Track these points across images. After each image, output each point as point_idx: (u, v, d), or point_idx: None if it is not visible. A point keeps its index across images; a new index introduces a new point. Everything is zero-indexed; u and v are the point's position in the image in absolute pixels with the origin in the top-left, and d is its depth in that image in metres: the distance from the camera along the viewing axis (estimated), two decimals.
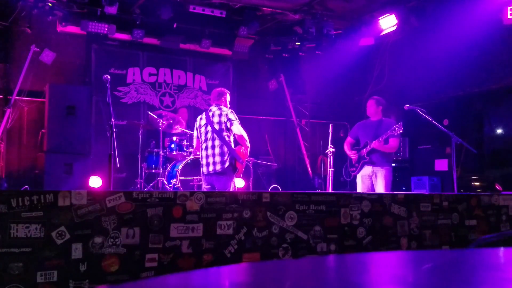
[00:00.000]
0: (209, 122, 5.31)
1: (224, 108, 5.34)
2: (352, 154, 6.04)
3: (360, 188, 5.95)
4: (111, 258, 2.76)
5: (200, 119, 5.49)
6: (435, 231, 3.86)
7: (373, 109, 6.00)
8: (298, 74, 10.01)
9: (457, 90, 8.07)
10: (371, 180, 5.86)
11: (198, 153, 5.65)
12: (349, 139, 6.25)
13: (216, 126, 5.24)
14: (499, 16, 7.13)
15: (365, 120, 6.19)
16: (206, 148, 5.30)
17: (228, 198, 3.12)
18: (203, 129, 5.39)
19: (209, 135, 5.29)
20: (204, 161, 5.32)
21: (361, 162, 5.93)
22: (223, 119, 5.24)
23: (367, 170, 5.88)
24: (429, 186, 7.72)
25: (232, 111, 5.31)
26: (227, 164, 5.14)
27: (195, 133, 5.58)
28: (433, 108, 6.64)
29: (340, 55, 9.25)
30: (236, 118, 5.25)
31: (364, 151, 5.86)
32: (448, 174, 7.53)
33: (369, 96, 6.63)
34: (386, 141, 5.73)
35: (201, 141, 5.40)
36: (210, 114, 5.36)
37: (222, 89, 5.69)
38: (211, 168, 5.22)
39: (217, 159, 5.18)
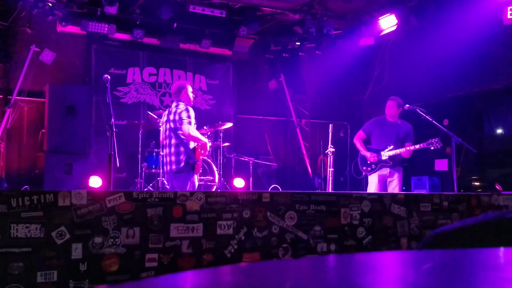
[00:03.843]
0: (167, 120, 5.17)
1: (181, 106, 5.12)
2: (371, 157, 5.84)
3: (374, 187, 5.85)
4: (111, 258, 2.76)
5: (163, 116, 5.34)
6: None
7: (393, 110, 5.89)
8: (298, 74, 10.01)
9: (457, 90, 8.06)
10: (386, 180, 5.85)
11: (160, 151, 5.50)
12: (361, 134, 6.07)
13: (172, 124, 5.07)
14: (499, 16, 7.13)
15: (381, 118, 6.04)
16: (165, 147, 5.17)
17: (228, 198, 3.12)
18: (163, 127, 5.25)
19: (167, 133, 5.14)
20: (163, 160, 5.22)
21: (380, 164, 5.84)
22: (176, 117, 5.05)
23: (385, 171, 5.83)
24: (429, 186, 7.71)
25: (186, 109, 5.07)
26: (182, 164, 4.98)
27: (161, 130, 5.43)
28: (433, 108, 6.64)
29: (340, 55, 9.25)
30: (187, 117, 5.01)
31: (388, 154, 5.74)
32: (448, 174, 7.53)
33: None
34: (403, 146, 5.72)
35: (162, 139, 5.28)
36: (169, 111, 5.22)
37: (182, 83, 5.47)
38: (168, 167, 5.09)
39: (173, 158, 5.04)
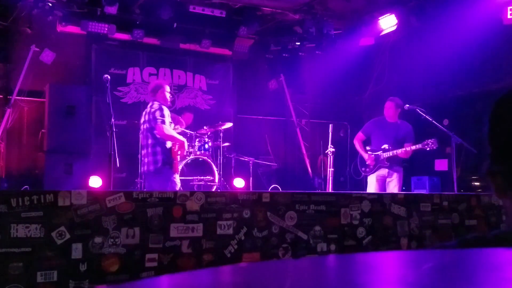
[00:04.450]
0: (144, 120, 5.14)
1: (155, 105, 5.05)
2: (369, 158, 5.88)
3: (372, 188, 5.87)
4: (111, 258, 2.76)
5: (141, 117, 5.30)
6: (435, 231, 3.86)
7: (392, 111, 5.89)
8: (298, 74, 10.01)
9: (457, 90, 8.06)
10: (385, 180, 5.85)
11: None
12: (361, 135, 6.09)
13: (147, 125, 5.04)
14: (499, 16, 7.13)
15: (381, 119, 6.05)
16: (142, 147, 5.14)
17: (228, 198, 3.12)
18: (141, 128, 5.21)
19: (144, 133, 5.10)
20: (142, 161, 5.18)
21: (378, 165, 5.86)
22: (151, 116, 5.00)
23: (383, 171, 5.84)
24: (429, 186, 7.71)
25: (160, 108, 4.99)
26: (159, 164, 4.93)
27: (140, 131, 5.41)
28: (433, 108, 6.63)
29: (340, 55, 9.24)
30: (160, 116, 4.93)
31: (385, 155, 5.76)
32: (448, 174, 7.52)
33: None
34: (402, 146, 5.72)
35: (141, 139, 5.23)
36: (145, 111, 5.18)
37: (159, 82, 5.43)
38: (146, 168, 5.05)
39: (150, 158, 4.99)
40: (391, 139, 5.81)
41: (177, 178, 5.11)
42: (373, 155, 5.88)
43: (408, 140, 5.80)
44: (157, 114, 4.95)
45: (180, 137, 5.14)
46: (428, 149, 5.56)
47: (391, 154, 5.73)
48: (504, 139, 0.94)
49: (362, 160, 6.04)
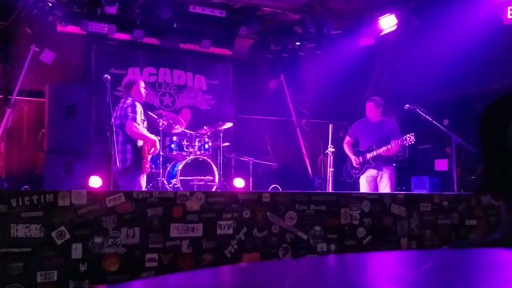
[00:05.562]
0: (115, 116, 4.98)
1: (128, 101, 4.91)
2: (355, 159, 5.99)
3: (364, 189, 5.92)
4: (111, 258, 2.76)
5: (114, 112, 5.13)
6: (435, 231, 3.86)
7: (373, 111, 5.96)
8: (298, 74, 10.02)
9: (457, 90, 8.06)
10: (375, 181, 5.88)
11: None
12: (348, 139, 6.20)
13: (118, 121, 4.88)
14: (499, 16, 7.12)
15: (364, 120, 6.13)
16: (113, 144, 4.95)
17: (228, 198, 3.12)
18: (113, 124, 5.03)
19: (116, 130, 4.92)
20: (113, 159, 5.02)
21: (365, 166, 5.91)
22: (122, 112, 4.85)
23: (371, 172, 5.88)
24: (429, 186, 7.71)
25: (132, 104, 4.85)
26: (129, 162, 4.80)
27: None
28: (433, 108, 6.63)
29: (340, 55, 9.24)
30: (131, 113, 4.78)
31: (369, 155, 5.82)
32: (448, 174, 7.52)
33: (370, 96, 6.65)
34: (388, 144, 5.75)
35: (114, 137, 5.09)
36: (117, 107, 5.04)
37: (133, 78, 5.30)
38: (117, 165, 4.87)
39: (120, 156, 4.84)
40: (375, 138, 5.86)
41: (143, 180, 4.95)
42: (359, 156, 5.97)
43: (393, 137, 5.78)
44: (129, 110, 4.82)
45: (151, 136, 5.01)
46: (407, 144, 5.62)
47: (375, 154, 5.76)
48: (492, 143, 0.93)
49: (351, 162, 6.14)
